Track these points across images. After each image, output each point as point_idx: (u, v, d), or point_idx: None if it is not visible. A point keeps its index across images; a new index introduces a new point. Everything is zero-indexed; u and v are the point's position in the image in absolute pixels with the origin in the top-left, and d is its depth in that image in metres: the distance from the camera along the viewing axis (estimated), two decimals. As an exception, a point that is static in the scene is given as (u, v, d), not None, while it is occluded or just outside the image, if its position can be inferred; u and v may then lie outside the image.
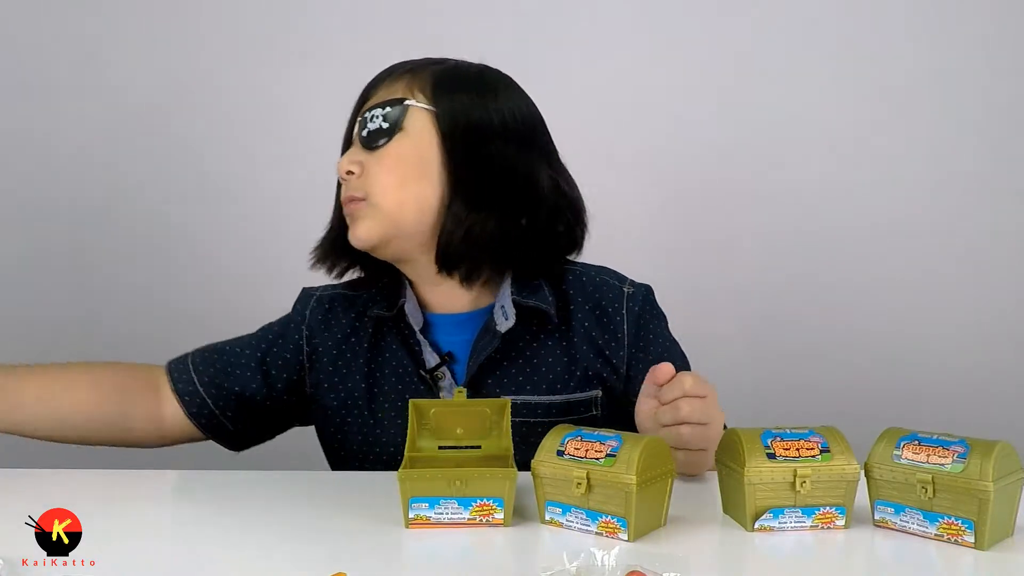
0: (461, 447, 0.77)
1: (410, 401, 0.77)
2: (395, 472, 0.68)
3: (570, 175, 1.04)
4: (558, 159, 1.03)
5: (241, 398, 1.01)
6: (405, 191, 0.95)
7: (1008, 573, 0.61)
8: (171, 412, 1.00)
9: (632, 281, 1.05)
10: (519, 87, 1.02)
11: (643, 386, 0.86)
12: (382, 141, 0.94)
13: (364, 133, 0.95)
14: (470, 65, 1.01)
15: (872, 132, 1.79)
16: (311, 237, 1.03)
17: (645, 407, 0.85)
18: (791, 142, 1.81)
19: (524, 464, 0.71)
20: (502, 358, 0.97)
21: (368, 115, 0.95)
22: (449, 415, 0.77)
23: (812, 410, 1.63)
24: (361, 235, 0.95)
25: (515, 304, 0.97)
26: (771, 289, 1.81)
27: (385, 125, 0.94)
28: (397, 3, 1.78)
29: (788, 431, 0.69)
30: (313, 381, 1.02)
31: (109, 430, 0.98)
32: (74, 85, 1.81)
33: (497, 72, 1.02)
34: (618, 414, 0.97)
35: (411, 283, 1.01)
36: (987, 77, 1.79)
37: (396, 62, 1.01)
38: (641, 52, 1.82)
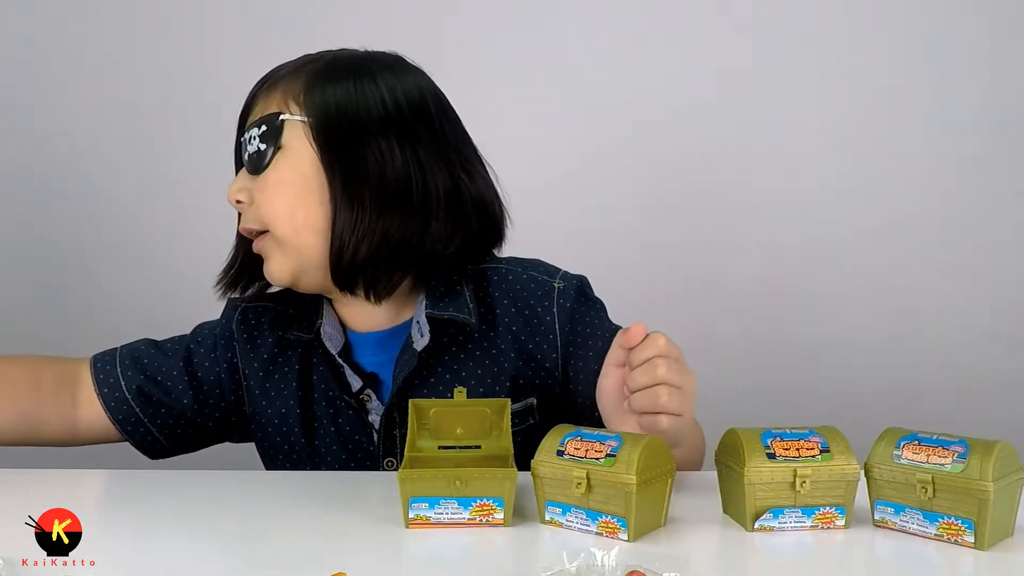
0: (461, 447, 0.77)
1: (410, 401, 0.76)
2: (395, 472, 0.68)
3: (481, 163, 0.95)
4: (465, 146, 0.94)
5: (172, 411, 0.96)
6: (296, 217, 0.87)
7: (1008, 573, 0.61)
8: (90, 414, 0.95)
9: (565, 273, 0.96)
10: (412, 68, 0.93)
11: (608, 355, 0.80)
12: (263, 164, 0.87)
13: (245, 157, 0.88)
14: (351, 54, 0.93)
15: (871, 135, 1.80)
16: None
17: (610, 381, 0.80)
18: (790, 144, 1.81)
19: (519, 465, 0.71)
20: (427, 375, 0.91)
21: (246, 137, 0.88)
22: (449, 415, 0.77)
23: (812, 410, 1.63)
24: (274, 274, 0.90)
25: (429, 319, 0.90)
26: (770, 290, 1.81)
27: (263, 146, 0.87)
28: (398, 6, 1.78)
29: (788, 431, 0.69)
30: (249, 399, 0.97)
31: (15, 430, 0.93)
32: (72, 85, 1.82)
33: (382, 55, 0.93)
34: (558, 419, 0.84)
35: (329, 301, 0.96)
36: (987, 78, 1.79)
37: (273, 67, 0.94)
38: (641, 52, 1.82)
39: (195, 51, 1.80)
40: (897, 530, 0.67)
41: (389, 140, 0.88)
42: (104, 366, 0.96)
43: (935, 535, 0.65)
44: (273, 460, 0.97)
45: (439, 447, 0.77)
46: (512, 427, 0.85)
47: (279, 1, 1.83)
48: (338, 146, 0.87)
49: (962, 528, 0.63)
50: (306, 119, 0.87)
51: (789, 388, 1.80)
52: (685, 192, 1.82)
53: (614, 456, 0.66)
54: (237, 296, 0.99)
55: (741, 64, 1.81)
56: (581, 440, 0.69)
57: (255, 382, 0.96)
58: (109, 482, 0.83)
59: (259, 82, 0.92)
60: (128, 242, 1.82)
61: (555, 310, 0.93)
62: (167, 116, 1.80)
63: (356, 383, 0.92)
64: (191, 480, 0.85)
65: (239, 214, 0.93)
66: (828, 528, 0.68)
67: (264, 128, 0.87)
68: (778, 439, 0.68)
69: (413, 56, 0.98)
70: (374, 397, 0.92)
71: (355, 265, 0.87)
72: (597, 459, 0.66)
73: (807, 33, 1.81)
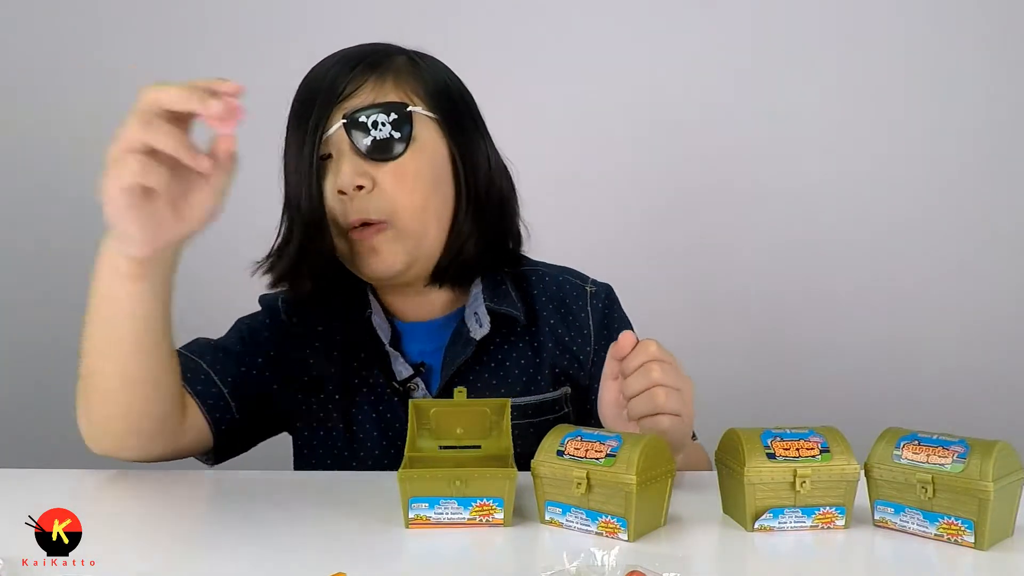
0: (461, 447, 0.77)
1: (410, 401, 0.76)
2: (395, 472, 0.68)
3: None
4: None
5: (259, 401, 0.95)
6: (428, 210, 0.89)
7: (1008, 573, 0.61)
8: (190, 423, 0.89)
9: (594, 280, 1.04)
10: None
11: (604, 369, 0.82)
12: (395, 153, 0.87)
13: (367, 142, 0.86)
14: (430, 58, 0.96)
15: (872, 135, 1.80)
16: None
17: (609, 392, 0.81)
18: (790, 145, 1.82)
19: (517, 463, 0.71)
20: (473, 363, 0.95)
21: (367, 120, 0.86)
22: (449, 415, 0.77)
23: (812, 410, 1.64)
24: (385, 267, 0.89)
25: (489, 311, 0.94)
26: (771, 291, 1.81)
27: (396, 134, 0.87)
28: (395, 6, 1.78)
29: (788, 431, 0.69)
30: (296, 387, 0.97)
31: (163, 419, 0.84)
32: (71, 84, 1.82)
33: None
34: (584, 410, 0.98)
35: (375, 291, 0.97)
36: (988, 78, 1.79)
37: (344, 51, 0.93)
38: (640, 53, 1.82)
39: (193, 50, 1.80)
40: (897, 530, 0.67)
41: (487, 141, 0.96)
42: (189, 364, 0.91)
43: (935, 535, 0.65)
44: (311, 450, 0.98)
45: (439, 447, 0.77)
46: (547, 415, 0.89)
47: (276, 4, 1.83)
48: (465, 146, 0.92)
49: (962, 528, 0.63)
50: (435, 115, 0.90)
51: (789, 388, 1.80)
52: (684, 195, 1.83)
53: (614, 456, 0.66)
54: (274, 286, 0.96)
55: (741, 66, 1.81)
56: (581, 440, 0.69)
57: (303, 370, 0.96)
58: (109, 482, 0.83)
59: (346, 62, 0.90)
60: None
61: (588, 309, 1.00)
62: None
63: (406, 371, 0.93)
64: (191, 480, 0.85)
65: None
66: (828, 528, 0.68)
67: (395, 116, 0.87)
68: (778, 439, 0.68)
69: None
70: (422, 385, 0.94)
71: (462, 259, 0.93)
72: (597, 459, 0.67)
73: (807, 35, 1.81)
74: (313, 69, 0.92)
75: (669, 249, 1.81)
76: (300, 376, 0.96)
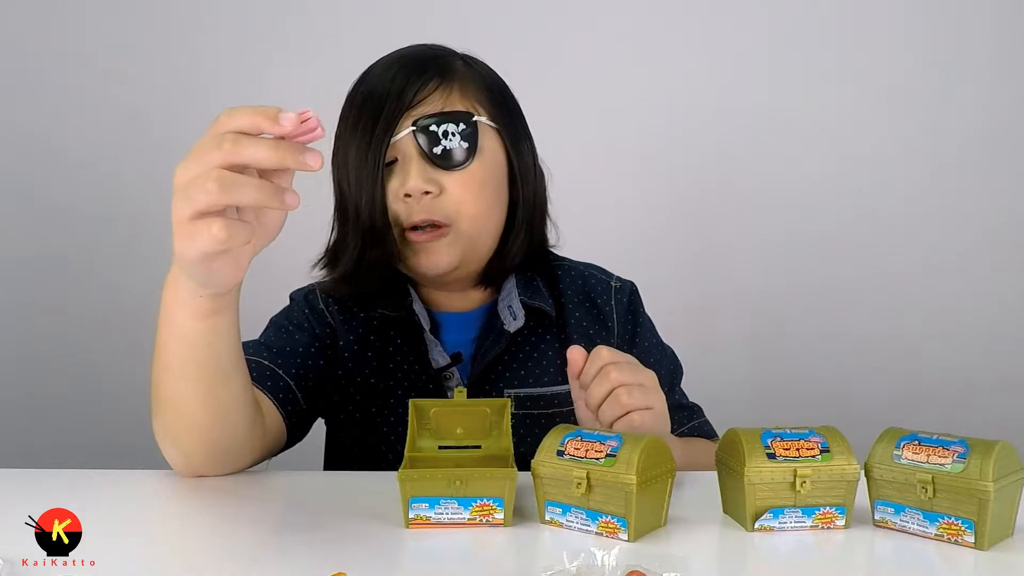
0: (461, 447, 0.77)
1: (410, 401, 0.77)
2: (395, 472, 0.69)
3: None
4: None
5: (317, 388, 0.96)
6: (490, 218, 0.95)
7: (1008, 573, 0.61)
8: (269, 422, 0.89)
9: (619, 277, 1.09)
10: None
11: (572, 391, 0.84)
12: (463, 162, 0.91)
13: (437, 150, 0.90)
14: (481, 62, 1.00)
15: (870, 133, 1.81)
16: (320, 237, 1.00)
17: (581, 410, 0.84)
18: (789, 144, 1.83)
19: (528, 458, 0.71)
20: (504, 354, 0.99)
21: (438, 129, 0.90)
22: (449, 415, 0.78)
23: (812, 410, 1.64)
24: (442, 264, 0.92)
25: (523, 305, 0.99)
26: (771, 290, 1.82)
27: (465, 145, 0.90)
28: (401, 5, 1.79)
29: (788, 431, 0.69)
30: (341, 372, 0.99)
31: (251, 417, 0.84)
32: (76, 86, 1.83)
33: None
34: None
35: (414, 283, 1.01)
36: (987, 77, 1.80)
37: (402, 54, 0.96)
38: (640, 54, 1.83)
39: (198, 53, 1.81)
40: (897, 530, 0.68)
41: (532, 146, 1.00)
42: (255, 365, 0.91)
43: (935, 535, 0.65)
44: (345, 433, 1.01)
45: (439, 447, 0.78)
46: (571, 406, 0.89)
47: (280, 6, 1.84)
48: (520, 155, 0.97)
49: (962, 528, 0.64)
50: (496, 125, 0.94)
51: (789, 388, 1.81)
52: (685, 195, 1.84)
53: (614, 456, 0.66)
54: (336, 286, 0.99)
55: (740, 66, 1.82)
56: (581, 440, 0.69)
57: (347, 356, 0.99)
58: (109, 482, 0.83)
59: (411, 68, 0.92)
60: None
61: (613, 303, 1.05)
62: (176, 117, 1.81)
63: (442, 360, 0.96)
64: (191, 480, 0.85)
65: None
66: (828, 528, 0.68)
67: (463, 127, 0.91)
68: (778, 439, 0.69)
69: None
70: (456, 374, 0.97)
71: (507, 260, 0.98)
72: (597, 459, 0.67)
73: (806, 36, 1.82)
74: (370, 73, 0.94)
75: (668, 250, 1.82)
76: (341, 362, 0.99)
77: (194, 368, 0.74)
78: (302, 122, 0.61)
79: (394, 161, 0.92)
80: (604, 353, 0.80)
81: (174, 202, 0.62)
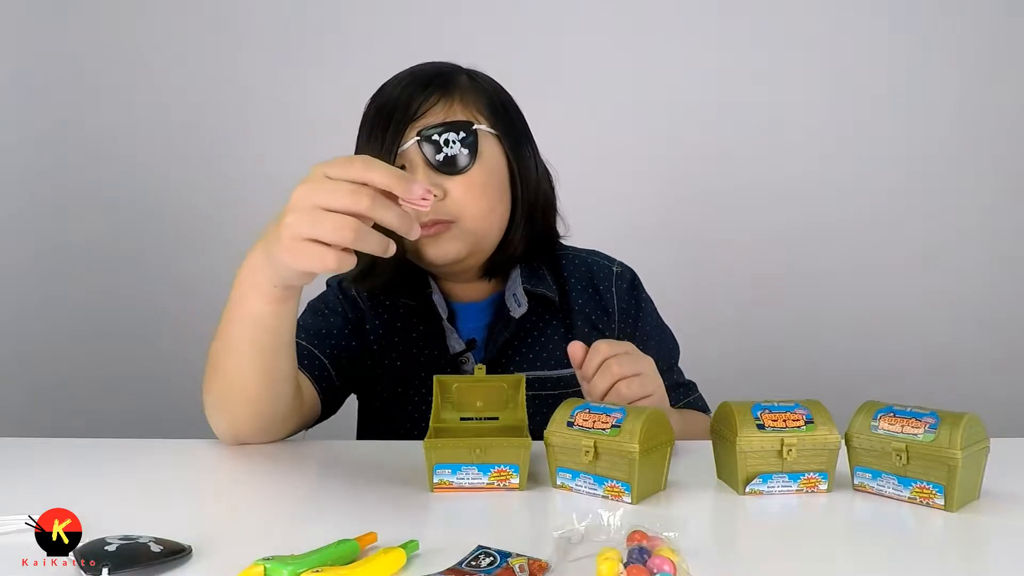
0: (481, 419, 0.82)
1: (435, 377, 0.82)
2: (421, 441, 0.73)
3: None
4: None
5: (350, 366, 1.04)
6: (493, 216, 1.00)
7: (974, 532, 0.64)
8: (306, 397, 0.96)
9: (620, 262, 1.14)
10: None
11: (578, 377, 0.88)
12: (464, 167, 0.96)
13: (439, 157, 0.95)
14: (484, 75, 1.05)
15: (854, 133, 1.86)
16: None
17: (588, 397, 0.87)
18: (780, 142, 1.87)
19: (538, 433, 0.75)
20: (513, 339, 1.04)
21: (439, 138, 0.95)
22: (470, 390, 0.82)
23: (798, 386, 1.69)
24: (450, 254, 0.97)
25: (526, 292, 1.03)
26: (762, 279, 1.89)
27: (464, 151, 0.96)
28: (420, 10, 1.82)
29: (776, 404, 0.73)
30: (374, 352, 1.06)
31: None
32: (114, 87, 1.88)
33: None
34: None
35: (432, 276, 1.06)
36: (986, 79, 1.84)
37: (412, 71, 1.01)
38: (640, 54, 1.85)
39: (228, 60, 1.85)
40: (875, 494, 0.71)
41: (534, 149, 1.05)
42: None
43: (909, 498, 0.69)
44: (374, 412, 1.09)
45: (461, 419, 0.82)
46: (577, 387, 0.93)
47: (283, 5, 1.87)
48: (520, 157, 1.02)
49: (933, 492, 0.67)
50: (495, 132, 0.99)
51: (778, 366, 1.88)
52: (682, 190, 1.88)
53: (619, 427, 0.70)
54: (351, 283, 1.06)
55: (739, 65, 1.85)
56: (589, 412, 0.73)
57: (372, 338, 1.06)
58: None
59: (417, 83, 0.98)
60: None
61: (614, 288, 1.09)
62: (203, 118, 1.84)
63: (458, 346, 1.02)
64: (235, 448, 0.89)
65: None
66: (812, 492, 0.72)
67: (463, 135, 0.96)
68: (767, 411, 0.72)
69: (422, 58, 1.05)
70: (471, 358, 1.03)
71: (509, 255, 1.03)
72: (603, 429, 0.70)
73: (805, 36, 1.85)
74: (383, 89, 1.00)
75: (667, 242, 1.87)
76: (369, 344, 1.06)
77: (256, 345, 0.81)
78: (423, 198, 0.66)
79: (402, 168, 0.96)
80: (603, 347, 0.84)
81: (291, 216, 0.67)
